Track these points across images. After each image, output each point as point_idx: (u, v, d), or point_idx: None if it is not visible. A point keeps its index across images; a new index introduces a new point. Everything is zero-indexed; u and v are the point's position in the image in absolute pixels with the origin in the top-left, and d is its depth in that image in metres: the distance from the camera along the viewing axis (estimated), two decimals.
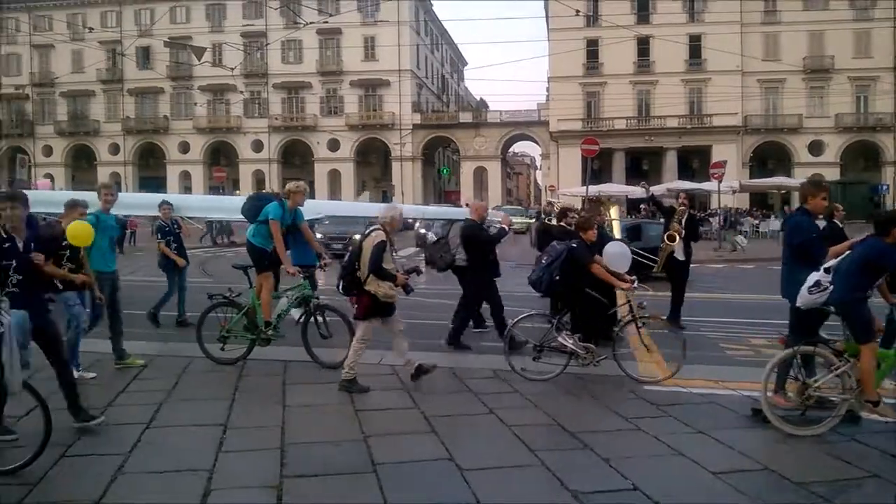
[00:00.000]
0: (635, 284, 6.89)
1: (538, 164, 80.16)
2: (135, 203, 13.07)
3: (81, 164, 62.50)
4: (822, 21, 48.78)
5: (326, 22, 45.99)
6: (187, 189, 56.07)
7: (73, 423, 4.93)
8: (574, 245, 6.98)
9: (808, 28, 48.92)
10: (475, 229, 8.49)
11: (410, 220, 24.96)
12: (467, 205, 8.21)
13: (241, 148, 59.50)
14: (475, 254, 8.36)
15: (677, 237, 9.46)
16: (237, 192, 53.11)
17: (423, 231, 23.19)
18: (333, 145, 58.02)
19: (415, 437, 5.06)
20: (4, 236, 4.58)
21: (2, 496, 3.96)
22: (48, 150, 61.79)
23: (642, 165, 51.94)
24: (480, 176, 58.99)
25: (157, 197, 11.73)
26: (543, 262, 7.09)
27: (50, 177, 58.44)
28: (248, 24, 57.22)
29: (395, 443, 4.94)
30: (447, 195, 63.42)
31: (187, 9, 57.66)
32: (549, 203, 27.62)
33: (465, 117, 59.77)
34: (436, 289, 11.73)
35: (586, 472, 4.44)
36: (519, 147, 75.77)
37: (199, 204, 13.73)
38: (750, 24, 49.48)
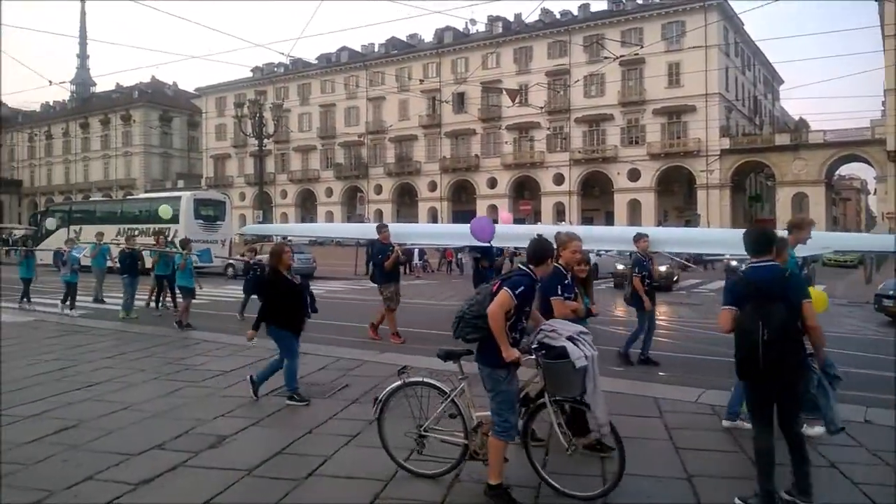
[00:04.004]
0: None
1: (871, 188, 70.27)
2: (608, 237, 13.18)
3: (405, 200, 70.25)
4: None
5: (637, 54, 45.89)
6: (493, 221, 59.42)
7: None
8: None
9: None
10: None
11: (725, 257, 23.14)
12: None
13: (543, 181, 61.76)
14: None
15: None
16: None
17: (734, 263, 21.73)
18: (633, 175, 57.32)
19: (743, 481, 4.72)
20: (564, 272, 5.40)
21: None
22: (378, 189, 70.49)
23: None
24: (800, 202, 53.50)
25: (630, 230, 11.39)
26: None
27: (380, 212, 66.83)
28: (553, 64, 59.75)
29: (722, 485, 4.69)
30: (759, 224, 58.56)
31: (497, 55, 61.90)
32: None
33: (782, 139, 54.89)
34: None
35: None
36: (847, 169, 67.46)
37: (678, 237, 12.71)
38: None
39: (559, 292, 5.39)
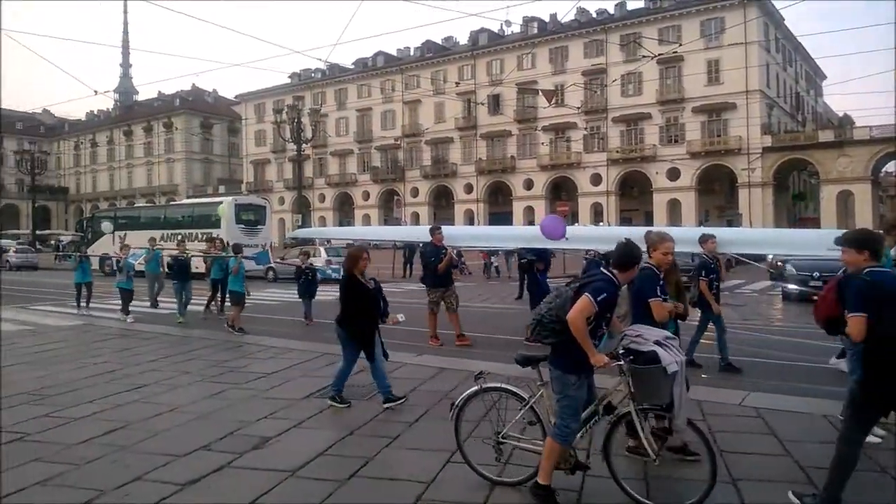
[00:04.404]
0: None
1: None
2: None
3: (441, 202, 70.40)
4: None
5: (675, 52, 45.30)
6: (530, 223, 59.35)
7: None
8: None
9: None
10: None
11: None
12: None
13: (580, 182, 61.33)
14: None
15: None
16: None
17: (779, 263, 21.28)
18: (673, 174, 56.54)
19: (791, 486, 4.65)
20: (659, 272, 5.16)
21: None
22: (415, 192, 70.76)
23: None
24: (845, 200, 52.19)
25: (696, 231, 10.83)
26: None
27: (416, 215, 67.06)
28: (589, 63, 59.32)
29: (769, 489, 4.60)
30: (803, 223, 57.34)
31: (533, 55, 61.68)
32: None
33: (826, 136, 53.57)
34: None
35: None
36: (894, 166, 65.38)
37: (747, 237, 12.27)
38: None
39: (658, 294, 5.14)
